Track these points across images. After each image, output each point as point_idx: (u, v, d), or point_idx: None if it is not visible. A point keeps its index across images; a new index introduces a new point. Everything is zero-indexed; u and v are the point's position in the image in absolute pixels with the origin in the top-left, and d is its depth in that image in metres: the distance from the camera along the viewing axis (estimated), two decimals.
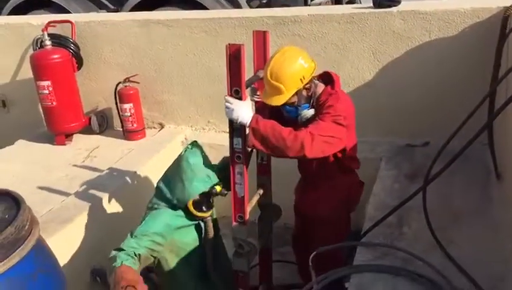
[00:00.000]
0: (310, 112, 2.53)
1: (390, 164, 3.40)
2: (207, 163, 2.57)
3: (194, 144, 2.64)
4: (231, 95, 2.28)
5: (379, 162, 3.49)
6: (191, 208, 2.52)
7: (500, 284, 2.15)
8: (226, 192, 2.53)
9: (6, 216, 1.26)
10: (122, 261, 2.27)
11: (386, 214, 2.56)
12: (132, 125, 4.25)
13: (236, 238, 2.52)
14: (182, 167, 2.50)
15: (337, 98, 2.47)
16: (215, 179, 2.52)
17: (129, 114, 4.20)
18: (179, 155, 2.61)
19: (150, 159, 3.89)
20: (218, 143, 4.11)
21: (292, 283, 3.34)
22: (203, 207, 2.53)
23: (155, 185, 2.73)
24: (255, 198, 2.67)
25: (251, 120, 2.28)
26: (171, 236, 2.53)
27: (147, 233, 2.45)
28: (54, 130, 4.27)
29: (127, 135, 4.30)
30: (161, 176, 2.69)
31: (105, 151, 4.11)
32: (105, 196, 3.32)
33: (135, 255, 2.36)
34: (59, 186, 3.48)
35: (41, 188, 3.48)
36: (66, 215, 3.08)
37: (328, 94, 2.51)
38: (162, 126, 4.51)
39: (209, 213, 2.58)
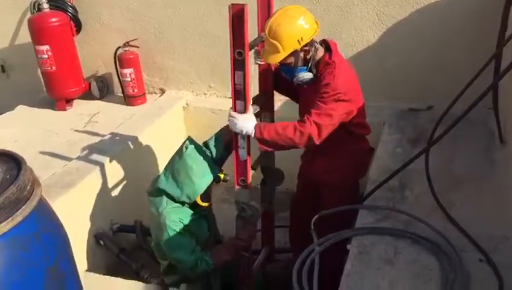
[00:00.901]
0: (307, 76, 2.47)
1: (393, 128, 3.38)
2: (206, 154, 2.59)
3: (190, 139, 2.65)
4: (234, 61, 2.22)
5: (382, 127, 3.46)
6: (199, 201, 2.58)
7: (501, 246, 2.17)
8: (228, 178, 2.63)
9: (8, 176, 1.25)
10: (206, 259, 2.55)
11: (388, 177, 2.56)
12: (133, 90, 4.21)
13: (239, 202, 2.52)
14: (188, 164, 2.52)
15: (333, 75, 2.40)
16: (217, 167, 2.58)
17: (129, 79, 4.15)
18: (179, 153, 2.59)
19: (151, 124, 3.88)
20: (219, 108, 4.09)
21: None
22: (209, 197, 2.64)
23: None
24: (257, 162, 2.66)
25: (255, 131, 2.35)
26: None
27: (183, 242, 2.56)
28: (54, 96, 4.23)
29: (128, 100, 4.26)
30: (162, 172, 2.70)
31: (106, 117, 4.08)
32: (107, 161, 3.32)
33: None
34: (61, 151, 3.47)
35: (42, 153, 3.48)
36: (68, 179, 3.08)
37: (325, 64, 2.46)
38: (162, 91, 4.48)
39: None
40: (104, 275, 3.24)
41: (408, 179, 2.74)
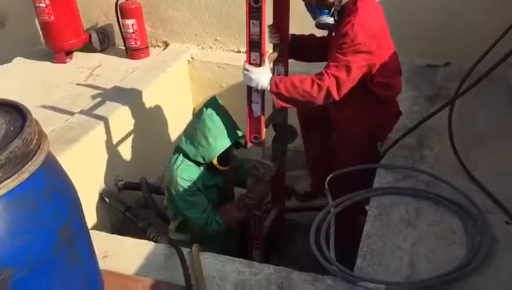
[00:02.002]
0: (328, 20, 2.30)
1: (409, 85, 3.23)
2: (229, 118, 2.46)
3: (214, 99, 2.52)
4: (250, 9, 2.05)
5: None
6: (216, 164, 2.48)
7: None
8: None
9: (12, 129, 1.12)
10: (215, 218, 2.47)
11: (406, 132, 2.45)
12: (135, 43, 4.02)
13: (251, 160, 2.41)
14: (206, 124, 2.40)
15: (352, 24, 2.21)
16: (238, 132, 2.46)
17: (132, 31, 3.96)
18: (200, 112, 2.48)
19: (155, 78, 3.72)
20: (226, 62, 3.93)
21: (305, 204, 3.30)
22: (227, 161, 2.52)
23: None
24: (268, 120, 2.53)
25: (270, 85, 2.20)
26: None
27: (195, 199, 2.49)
28: (53, 47, 4.05)
29: (130, 53, 4.08)
30: (183, 132, 2.62)
31: (108, 70, 3.91)
32: (111, 116, 3.18)
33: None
34: (62, 106, 3.33)
35: (43, 107, 3.33)
36: (71, 134, 2.95)
37: (349, 11, 2.29)
38: (166, 44, 4.29)
39: (230, 165, 2.57)
40: (110, 233, 3.19)
41: (426, 138, 2.64)
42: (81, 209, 1.33)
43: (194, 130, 2.45)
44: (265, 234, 2.74)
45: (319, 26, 2.36)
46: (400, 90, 2.57)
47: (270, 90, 2.22)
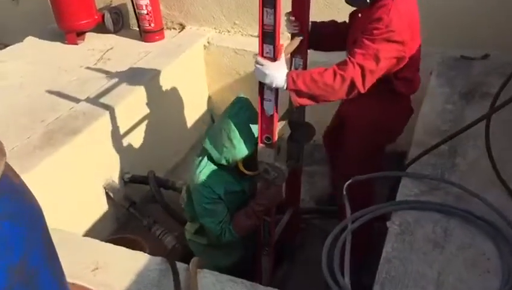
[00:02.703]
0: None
1: (441, 79, 2.94)
2: (257, 118, 2.20)
3: (241, 97, 2.28)
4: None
5: (428, 77, 3.03)
6: (242, 168, 2.25)
7: None
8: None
9: None
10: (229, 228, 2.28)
11: (441, 141, 2.18)
12: (149, 24, 3.81)
13: (262, 163, 2.19)
14: (231, 125, 2.17)
15: (389, 8, 1.98)
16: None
17: (146, 12, 3.75)
18: (226, 111, 2.26)
19: (169, 63, 3.51)
20: (244, 48, 3.70)
21: (322, 207, 3.08)
22: (254, 166, 2.24)
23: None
24: (285, 117, 2.30)
25: (287, 82, 1.96)
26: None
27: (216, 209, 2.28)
28: (65, 27, 3.87)
29: (144, 35, 3.88)
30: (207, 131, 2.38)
31: (121, 53, 3.73)
32: (119, 104, 3.00)
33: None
34: (69, 91, 3.17)
35: (49, 92, 3.18)
36: (74, 124, 2.78)
37: None
38: (182, 27, 4.06)
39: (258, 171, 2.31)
40: (115, 229, 3.04)
41: (459, 143, 2.35)
42: (45, 235, 1.13)
43: (219, 130, 2.22)
44: (276, 239, 2.54)
45: (350, 2, 2.14)
46: (418, 87, 2.39)
47: (287, 88, 1.98)
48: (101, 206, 2.95)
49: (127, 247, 2.50)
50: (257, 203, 2.25)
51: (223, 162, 2.21)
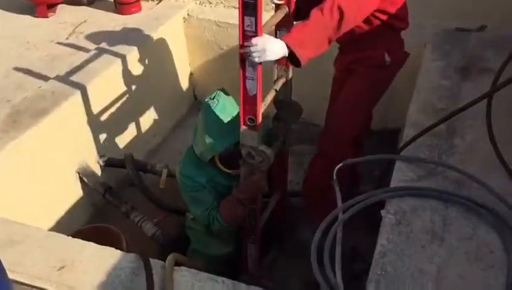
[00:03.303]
0: None
1: (437, 53, 2.76)
2: (235, 114, 2.09)
3: (218, 92, 2.14)
4: None
5: (423, 50, 2.85)
6: (219, 164, 2.17)
7: None
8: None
9: None
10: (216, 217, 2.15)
11: (438, 121, 2.01)
12: None
13: (246, 146, 2.01)
14: (203, 120, 2.08)
15: None
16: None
17: None
18: (203, 103, 2.12)
19: (146, 37, 3.27)
20: (226, 21, 3.47)
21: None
22: (233, 164, 2.13)
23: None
24: (270, 95, 2.11)
25: (287, 45, 1.81)
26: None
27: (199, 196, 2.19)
28: None
29: (119, 7, 3.64)
30: None
31: (94, 27, 3.49)
32: (92, 82, 2.78)
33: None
34: (37, 68, 2.95)
35: (16, 69, 2.96)
36: (42, 105, 2.56)
37: None
38: None
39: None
40: (91, 217, 2.86)
41: (457, 122, 2.19)
42: None
43: (198, 124, 2.13)
44: (264, 225, 2.39)
45: None
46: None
47: (292, 49, 1.81)
48: (74, 193, 2.76)
49: (102, 237, 2.34)
50: (240, 190, 2.09)
51: (200, 156, 2.11)
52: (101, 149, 2.90)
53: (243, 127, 1.98)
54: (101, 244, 2.27)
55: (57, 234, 1.81)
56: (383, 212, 1.78)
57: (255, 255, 2.40)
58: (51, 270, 1.62)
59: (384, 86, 2.45)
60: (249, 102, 1.90)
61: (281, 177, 2.60)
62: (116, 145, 3.01)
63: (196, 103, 4.00)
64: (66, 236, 1.78)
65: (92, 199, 2.86)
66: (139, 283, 1.56)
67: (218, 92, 2.12)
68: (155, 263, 1.63)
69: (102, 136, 2.91)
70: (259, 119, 1.95)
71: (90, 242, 1.74)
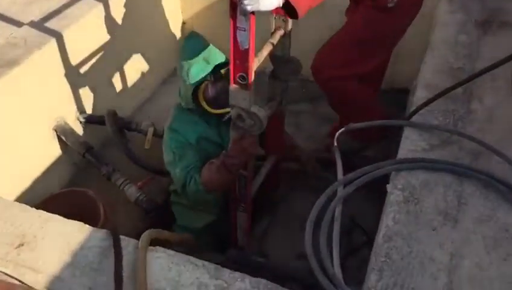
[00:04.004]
0: None
1: (454, 5, 2.47)
2: (208, 44, 1.98)
3: (191, 33, 2.07)
4: None
5: (438, 1, 2.56)
6: (205, 106, 1.98)
7: None
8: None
9: None
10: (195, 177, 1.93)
11: (454, 85, 1.77)
12: None
13: (236, 107, 1.77)
14: (180, 55, 1.98)
15: None
16: (218, 57, 1.96)
17: None
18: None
19: None
20: None
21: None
22: (217, 100, 1.96)
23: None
24: (266, 50, 1.85)
25: None
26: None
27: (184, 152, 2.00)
28: None
29: None
30: None
31: None
32: (69, 29, 2.50)
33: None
34: (10, 13, 2.65)
35: None
36: (12, 54, 2.30)
37: None
38: None
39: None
40: (72, 176, 2.66)
41: (475, 83, 1.94)
42: None
43: (178, 71, 2.02)
44: (255, 192, 2.18)
45: None
46: None
47: None
48: (51, 153, 2.54)
49: (77, 202, 2.15)
50: (228, 155, 1.86)
51: (184, 104, 1.98)
52: (81, 105, 2.66)
53: (233, 86, 1.74)
54: (77, 210, 2.10)
55: (18, 204, 1.59)
56: (388, 187, 1.56)
57: (244, 225, 2.21)
58: (8, 248, 1.41)
59: (383, 29, 2.30)
60: (239, 57, 1.65)
61: (276, 140, 2.37)
62: (98, 100, 2.76)
63: None
64: (28, 207, 1.56)
65: (72, 158, 2.64)
66: (108, 264, 1.37)
67: (193, 32, 2.04)
68: (127, 242, 1.43)
69: (83, 91, 2.67)
70: (252, 77, 1.70)
71: (56, 215, 1.53)
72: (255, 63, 1.72)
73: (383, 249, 1.36)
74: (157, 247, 1.42)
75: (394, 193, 1.52)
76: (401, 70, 3.00)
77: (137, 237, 2.17)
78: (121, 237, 1.44)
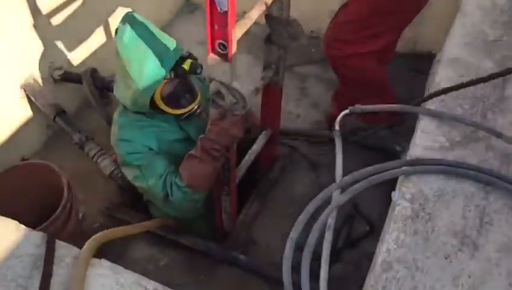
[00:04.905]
0: None
1: None
2: (155, 34, 1.55)
3: (128, 15, 1.55)
4: None
5: None
6: (164, 107, 1.62)
7: None
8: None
9: None
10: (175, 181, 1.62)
11: (476, 80, 1.42)
12: None
13: (215, 82, 1.46)
14: (121, 54, 1.52)
15: None
16: (176, 50, 1.55)
17: None
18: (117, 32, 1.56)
19: None
20: None
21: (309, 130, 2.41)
22: (178, 100, 1.63)
23: None
24: (257, 10, 1.51)
25: None
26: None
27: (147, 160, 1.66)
28: None
29: None
30: None
31: None
32: None
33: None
34: None
35: None
36: None
37: None
38: None
39: (194, 104, 1.67)
40: (39, 149, 2.39)
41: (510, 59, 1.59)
42: None
43: (117, 70, 1.61)
44: (246, 171, 1.91)
45: None
46: None
47: None
48: (21, 114, 2.26)
49: (39, 177, 1.89)
50: (206, 138, 1.56)
51: (137, 109, 1.61)
52: (56, 60, 2.35)
53: (212, 56, 1.41)
54: (37, 187, 1.85)
55: None
56: (394, 195, 1.26)
57: (230, 209, 1.94)
58: None
59: None
60: (218, 21, 1.32)
61: (272, 113, 2.06)
62: (77, 54, 2.44)
63: (188, 3, 3.36)
64: None
65: (46, 120, 2.36)
66: (39, 280, 1.11)
67: (130, 14, 1.55)
68: (67, 251, 1.17)
69: (59, 43, 2.35)
70: (233, 45, 1.37)
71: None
72: (239, 28, 1.40)
73: (380, 281, 1.08)
74: (103, 260, 1.16)
75: (401, 203, 1.22)
76: (424, 33, 2.64)
77: (109, 217, 1.92)
78: (61, 243, 1.18)
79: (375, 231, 1.99)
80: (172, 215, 1.84)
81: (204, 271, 1.90)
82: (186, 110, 1.65)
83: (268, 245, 2.03)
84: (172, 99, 1.62)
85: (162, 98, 1.60)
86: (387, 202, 1.94)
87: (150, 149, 1.65)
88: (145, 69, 1.50)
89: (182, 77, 1.59)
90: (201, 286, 1.86)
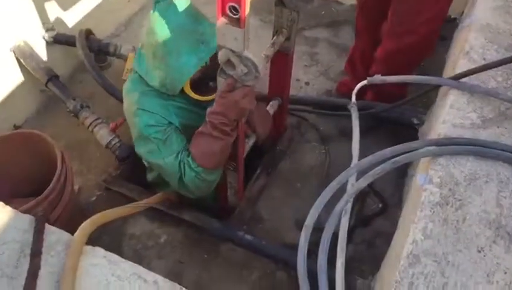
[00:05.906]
0: None
1: None
2: (200, 18, 1.47)
3: None
4: None
5: None
6: (191, 93, 1.52)
7: None
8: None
9: None
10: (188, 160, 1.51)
11: None
12: None
13: (225, 50, 1.31)
14: (158, 37, 1.42)
15: None
16: (215, 40, 1.33)
17: None
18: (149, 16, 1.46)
19: None
20: None
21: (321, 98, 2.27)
22: (207, 86, 1.54)
23: None
24: None
25: None
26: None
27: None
28: None
29: None
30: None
31: None
32: None
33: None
34: None
35: None
36: None
37: None
38: None
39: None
40: (31, 116, 2.25)
41: None
42: None
43: (146, 46, 1.48)
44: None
45: None
46: None
47: None
48: (12, 79, 2.11)
49: (31, 148, 1.76)
50: (213, 112, 1.42)
51: (163, 90, 1.51)
52: (48, 20, 2.18)
53: (222, 20, 1.26)
54: (28, 157, 1.73)
55: None
56: (420, 178, 1.14)
57: (236, 185, 1.83)
58: None
59: None
60: None
61: (282, 82, 1.92)
62: (71, 15, 2.28)
63: None
64: None
65: (32, 92, 2.22)
66: (25, 271, 1.00)
67: None
68: (58, 237, 1.06)
69: (52, 2, 2.18)
70: (246, 8, 1.22)
71: None
72: None
73: (406, 276, 0.97)
74: (97, 248, 1.05)
75: (427, 188, 1.10)
76: None
77: (107, 190, 1.79)
78: (51, 228, 1.06)
79: (387, 209, 1.89)
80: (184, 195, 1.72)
81: (207, 248, 1.81)
82: (210, 97, 1.52)
83: (274, 222, 1.92)
84: (199, 86, 1.51)
85: (190, 84, 1.48)
86: (401, 176, 1.84)
87: (169, 123, 1.52)
88: (183, 61, 1.42)
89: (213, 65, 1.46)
90: (204, 264, 1.76)
